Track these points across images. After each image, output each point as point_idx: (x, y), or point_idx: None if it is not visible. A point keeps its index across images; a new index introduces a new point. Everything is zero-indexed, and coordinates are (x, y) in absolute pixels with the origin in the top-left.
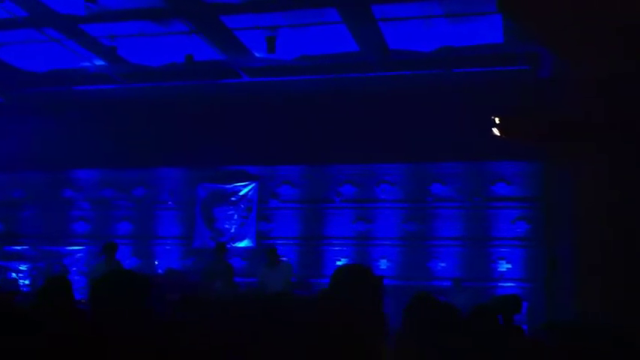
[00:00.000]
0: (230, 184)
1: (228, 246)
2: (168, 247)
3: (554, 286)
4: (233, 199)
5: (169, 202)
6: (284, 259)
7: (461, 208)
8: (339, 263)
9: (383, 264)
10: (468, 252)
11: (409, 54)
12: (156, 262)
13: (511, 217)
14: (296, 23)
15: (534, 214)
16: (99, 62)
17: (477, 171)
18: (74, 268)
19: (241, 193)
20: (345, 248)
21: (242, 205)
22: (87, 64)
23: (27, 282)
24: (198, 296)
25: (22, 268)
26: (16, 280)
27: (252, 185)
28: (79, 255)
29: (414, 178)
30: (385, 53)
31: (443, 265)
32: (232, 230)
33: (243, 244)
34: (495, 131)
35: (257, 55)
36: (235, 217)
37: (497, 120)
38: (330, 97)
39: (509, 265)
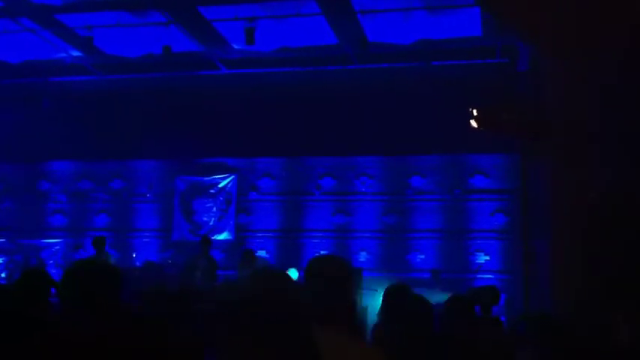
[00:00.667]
0: (209, 176)
1: None
2: (146, 240)
3: (532, 278)
4: (212, 191)
5: (148, 195)
6: (262, 253)
7: (440, 201)
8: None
9: (362, 256)
10: (446, 244)
11: (388, 46)
12: (134, 255)
13: (489, 210)
14: (275, 15)
15: (512, 207)
16: (75, 53)
17: (456, 164)
18: (51, 261)
19: (220, 185)
20: (324, 241)
21: (221, 198)
22: (63, 54)
23: (3, 275)
24: (167, 288)
25: None
26: None
27: (232, 177)
28: (56, 248)
29: (393, 170)
30: (364, 46)
31: (422, 257)
32: (211, 223)
33: (222, 236)
34: (473, 123)
35: (235, 46)
36: (214, 209)
37: (475, 112)
38: (310, 89)
39: (487, 257)
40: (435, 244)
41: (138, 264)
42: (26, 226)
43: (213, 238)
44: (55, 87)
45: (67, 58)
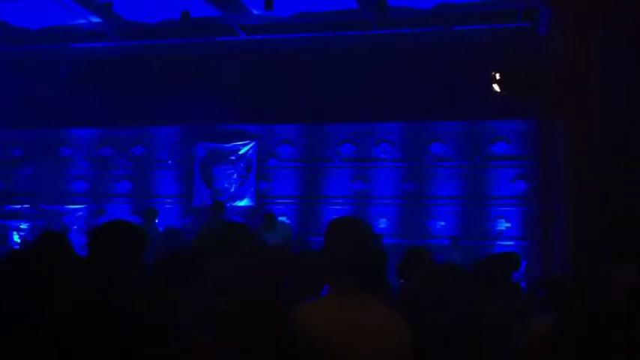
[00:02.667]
0: (229, 143)
1: (228, 205)
2: (168, 206)
3: (551, 243)
4: (232, 158)
5: (169, 161)
6: (283, 219)
7: (460, 168)
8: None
9: (382, 223)
10: (466, 211)
11: (409, 11)
12: (156, 221)
13: (510, 176)
14: None
15: (533, 173)
16: (94, 19)
17: (477, 130)
18: (75, 227)
19: (240, 152)
20: (344, 207)
21: (241, 164)
22: (82, 21)
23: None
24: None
25: (23, 226)
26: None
27: (252, 144)
28: (79, 214)
29: (413, 137)
30: (384, 10)
31: (442, 224)
32: (232, 189)
33: (243, 203)
34: (495, 87)
35: (254, 12)
36: (235, 176)
37: (497, 75)
38: (330, 55)
39: (508, 224)
40: (454, 210)
41: (160, 230)
42: (49, 192)
43: (234, 204)
44: (75, 53)
45: (86, 25)
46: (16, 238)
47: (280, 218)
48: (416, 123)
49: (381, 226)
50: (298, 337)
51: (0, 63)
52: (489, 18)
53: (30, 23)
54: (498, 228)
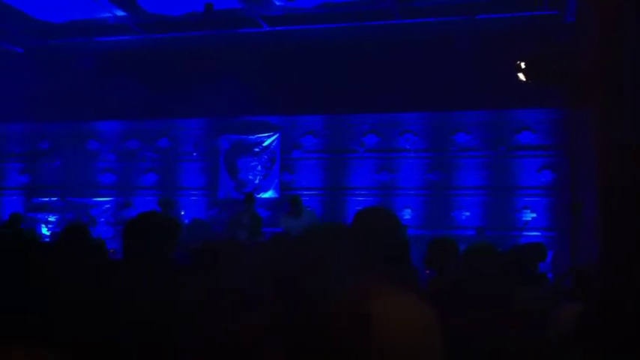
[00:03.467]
0: (253, 134)
1: None
2: (193, 198)
3: (578, 233)
4: (256, 149)
5: (194, 154)
6: (308, 208)
7: (485, 157)
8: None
9: (407, 214)
10: (492, 201)
11: (432, 0)
12: (182, 213)
13: (536, 166)
14: None
15: (560, 163)
16: (119, 12)
17: (502, 119)
18: (102, 219)
19: (264, 143)
20: (368, 198)
21: (265, 156)
22: (107, 14)
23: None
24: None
25: (51, 219)
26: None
27: (275, 136)
28: (106, 206)
29: (437, 127)
30: None
31: (467, 214)
32: (256, 181)
33: (267, 194)
34: (521, 76)
35: (277, 3)
36: (259, 167)
37: (522, 64)
38: (353, 45)
39: (534, 214)
40: (480, 201)
41: (186, 221)
42: (77, 184)
43: (258, 196)
44: (100, 47)
45: (111, 18)
46: (44, 230)
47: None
48: (440, 113)
49: (406, 217)
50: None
51: (26, 57)
52: (515, 6)
53: (55, 17)
54: (524, 218)
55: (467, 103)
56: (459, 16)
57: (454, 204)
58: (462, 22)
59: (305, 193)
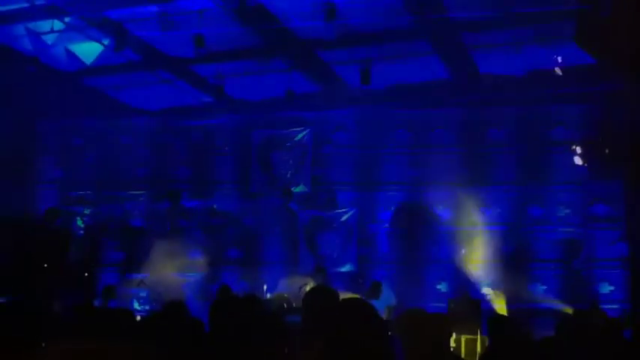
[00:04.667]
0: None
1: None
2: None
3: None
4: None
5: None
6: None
7: (560, 231)
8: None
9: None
10: (568, 274)
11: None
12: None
13: (612, 239)
14: (389, 55)
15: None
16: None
17: (576, 192)
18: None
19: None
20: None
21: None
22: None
23: (147, 307)
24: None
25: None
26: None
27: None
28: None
29: (509, 201)
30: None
31: (544, 288)
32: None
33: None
34: (577, 160)
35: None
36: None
37: (578, 149)
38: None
39: (611, 288)
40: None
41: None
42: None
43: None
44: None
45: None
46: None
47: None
48: (516, 187)
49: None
50: None
51: None
52: (582, 81)
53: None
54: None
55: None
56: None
57: (530, 277)
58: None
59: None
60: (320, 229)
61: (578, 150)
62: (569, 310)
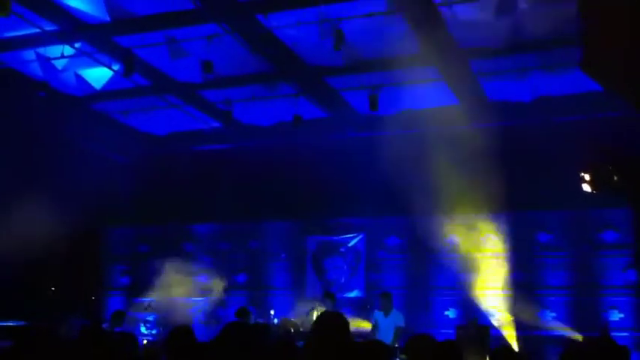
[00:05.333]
0: (338, 235)
1: (338, 296)
2: (281, 297)
3: None
4: (342, 250)
5: (282, 254)
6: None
7: (568, 257)
8: (447, 313)
9: (492, 313)
10: (578, 301)
11: (508, 105)
12: (272, 312)
13: (621, 265)
14: (397, 81)
15: None
16: (214, 124)
17: (584, 218)
18: (196, 318)
19: (350, 244)
20: (452, 298)
21: (351, 256)
22: (204, 126)
23: (154, 332)
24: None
25: (149, 318)
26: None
27: (360, 236)
28: (201, 305)
29: (518, 227)
30: (485, 105)
31: (553, 314)
32: (342, 280)
33: (353, 294)
34: (586, 187)
35: (361, 113)
36: (344, 267)
37: (587, 176)
38: (433, 149)
39: (621, 315)
40: (565, 301)
41: (275, 320)
42: (174, 284)
43: (344, 295)
44: (196, 155)
45: (207, 129)
46: (143, 329)
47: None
48: (521, 213)
49: (491, 317)
50: None
51: (130, 166)
52: (588, 108)
53: (157, 129)
54: (611, 319)
55: (547, 202)
56: (535, 119)
57: (539, 304)
58: (538, 124)
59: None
60: (327, 254)
61: (587, 177)
62: (578, 337)
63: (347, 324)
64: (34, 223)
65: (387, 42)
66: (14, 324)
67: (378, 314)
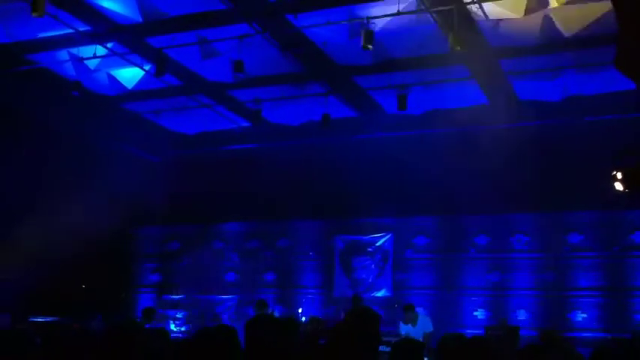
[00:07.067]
0: (366, 235)
1: (366, 295)
2: (310, 296)
3: None
4: (370, 249)
5: (310, 253)
6: (420, 309)
7: (599, 258)
8: (475, 313)
9: (521, 314)
10: (608, 303)
11: (539, 104)
12: (300, 310)
13: None
14: (426, 80)
15: None
16: (244, 124)
17: (615, 220)
18: (225, 316)
19: (377, 244)
20: (480, 298)
21: (378, 256)
22: (233, 125)
23: (183, 329)
24: None
25: (179, 315)
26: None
27: (388, 236)
28: (229, 303)
29: (549, 227)
30: (515, 104)
31: (584, 316)
32: (370, 280)
33: (381, 293)
34: (618, 186)
35: (388, 112)
36: (372, 267)
37: (619, 175)
38: (462, 148)
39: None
40: (596, 302)
41: (304, 319)
42: (203, 282)
43: (372, 295)
44: (225, 154)
45: (237, 129)
46: (172, 327)
47: (418, 309)
48: (551, 213)
49: (520, 317)
50: None
51: (161, 164)
52: (621, 107)
53: (188, 129)
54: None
55: (578, 203)
56: (566, 119)
57: (569, 305)
58: (570, 124)
59: (417, 292)
60: (355, 253)
61: (619, 175)
62: (608, 339)
63: (378, 316)
64: (66, 223)
65: (417, 41)
66: (45, 320)
67: (405, 327)
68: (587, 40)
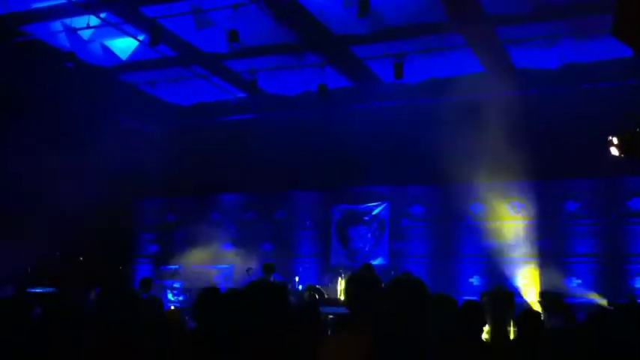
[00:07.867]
0: (363, 204)
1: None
2: (307, 266)
3: None
4: (366, 218)
5: (307, 223)
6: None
7: (596, 225)
8: (471, 280)
9: (517, 281)
10: (604, 269)
11: (536, 72)
12: (297, 279)
13: None
14: (422, 49)
15: None
16: (240, 94)
17: (611, 187)
18: (222, 285)
19: (374, 212)
20: (476, 265)
21: (375, 225)
22: (229, 96)
23: (180, 298)
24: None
25: (176, 285)
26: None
27: (384, 205)
28: (227, 273)
29: (546, 194)
30: (511, 72)
31: (579, 282)
32: (366, 249)
33: (377, 262)
34: (614, 150)
35: (385, 81)
36: (369, 236)
37: (615, 140)
38: (458, 117)
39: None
40: (592, 268)
41: (300, 288)
42: (201, 253)
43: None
44: (222, 126)
45: (233, 100)
46: (170, 296)
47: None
48: (548, 181)
49: (516, 284)
50: None
51: (157, 136)
52: (618, 75)
53: (183, 100)
54: (637, 286)
55: (575, 171)
56: (563, 87)
57: (565, 271)
58: (566, 92)
59: (413, 260)
60: (352, 222)
61: (615, 141)
62: (604, 303)
63: (379, 278)
64: (63, 195)
65: (413, 9)
66: (44, 290)
67: None
68: (585, 7)
